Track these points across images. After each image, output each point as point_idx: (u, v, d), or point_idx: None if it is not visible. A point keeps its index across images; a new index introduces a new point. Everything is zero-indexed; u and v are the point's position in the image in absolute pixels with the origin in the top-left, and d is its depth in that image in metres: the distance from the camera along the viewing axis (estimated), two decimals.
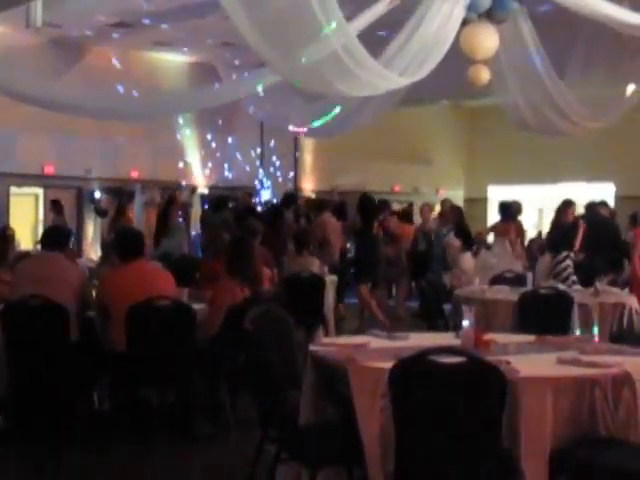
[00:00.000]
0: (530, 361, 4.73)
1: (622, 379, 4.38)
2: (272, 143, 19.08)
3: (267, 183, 19.09)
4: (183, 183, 17.82)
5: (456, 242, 11.77)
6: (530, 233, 16.59)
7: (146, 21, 14.23)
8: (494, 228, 12.49)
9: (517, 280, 9.12)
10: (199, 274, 8.82)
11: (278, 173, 19.55)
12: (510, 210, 12.13)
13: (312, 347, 5.07)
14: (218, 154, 18.64)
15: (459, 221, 12.56)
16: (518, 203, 12.96)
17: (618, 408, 4.36)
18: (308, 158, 20.53)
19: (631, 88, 12.54)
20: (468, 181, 24.23)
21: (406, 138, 21.45)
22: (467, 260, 11.86)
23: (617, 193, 20.90)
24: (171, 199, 13.70)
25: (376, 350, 4.97)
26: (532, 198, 19.82)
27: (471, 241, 12.49)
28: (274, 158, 19.42)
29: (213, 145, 18.52)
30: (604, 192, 20.85)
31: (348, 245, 13.97)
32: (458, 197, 22.81)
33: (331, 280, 10.32)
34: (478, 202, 23.08)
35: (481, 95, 13.91)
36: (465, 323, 4.95)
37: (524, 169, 22.06)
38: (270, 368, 4.92)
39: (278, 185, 19.26)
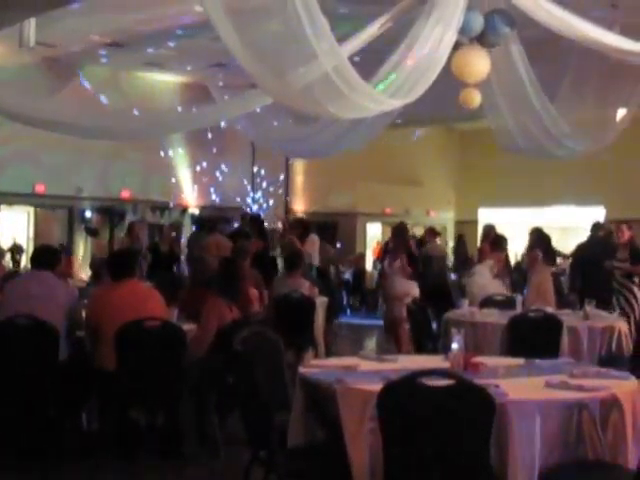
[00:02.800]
0: (518, 384, 4.73)
1: (610, 402, 4.40)
2: (263, 163, 19.11)
3: (257, 204, 19.12)
4: (171, 204, 17.84)
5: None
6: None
7: (138, 41, 14.26)
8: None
9: (507, 303, 9.12)
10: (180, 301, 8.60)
11: (270, 192, 19.57)
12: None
13: (301, 369, 5.07)
14: (209, 174, 18.66)
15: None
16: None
17: (606, 431, 4.37)
18: (299, 179, 20.58)
19: (621, 112, 12.63)
20: (459, 203, 24.29)
21: (397, 160, 21.54)
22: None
23: (607, 217, 20.96)
24: None
25: (365, 372, 4.97)
26: (522, 221, 19.85)
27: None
28: (265, 179, 19.44)
29: (204, 165, 18.54)
30: (595, 216, 20.94)
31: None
32: (448, 219, 22.91)
33: (321, 301, 10.31)
34: (468, 224, 23.14)
35: (472, 118, 13.96)
36: (454, 346, 4.95)
37: (515, 192, 22.15)
38: (259, 389, 4.91)
39: (269, 206, 19.29)
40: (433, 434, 4.04)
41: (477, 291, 9.85)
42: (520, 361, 5.48)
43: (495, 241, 11.07)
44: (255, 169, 19.29)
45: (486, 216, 23.50)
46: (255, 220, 14.95)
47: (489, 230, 13.50)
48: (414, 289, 11.09)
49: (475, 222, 23.41)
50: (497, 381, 4.58)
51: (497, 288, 10.01)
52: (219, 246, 11.72)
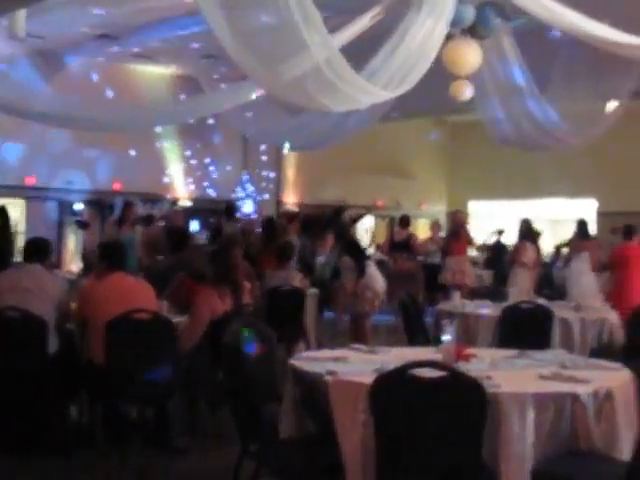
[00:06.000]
0: (511, 376, 4.71)
1: (603, 394, 4.39)
2: (254, 156, 19.08)
3: (249, 196, 19.08)
4: (163, 196, 17.79)
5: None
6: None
7: (129, 33, 14.20)
8: None
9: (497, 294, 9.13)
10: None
11: (261, 185, 19.55)
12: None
13: (292, 360, 5.05)
14: (200, 167, 18.62)
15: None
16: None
17: (599, 423, 4.36)
18: (290, 172, 20.53)
19: (612, 105, 12.62)
20: (450, 196, 24.27)
21: (389, 152, 21.51)
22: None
23: (599, 209, 20.99)
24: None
25: (356, 364, 4.95)
26: (514, 213, 19.84)
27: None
28: (256, 171, 19.40)
29: (195, 158, 18.49)
30: (586, 208, 20.97)
31: None
32: (440, 212, 22.88)
33: (312, 294, 10.29)
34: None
35: (464, 110, 13.94)
36: (446, 337, 4.94)
37: (506, 184, 22.16)
38: (250, 382, 4.89)
39: (261, 199, 19.28)
40: (425, 426, 4.03)
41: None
42: (512, 352, 5.47)
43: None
44: (247, 161, 19.24)
45: (477, 208, 23.54)
46: (229, 209, 14.92)
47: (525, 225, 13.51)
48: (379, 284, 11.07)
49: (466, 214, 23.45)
50: (489, 372, 4.57)
51: None
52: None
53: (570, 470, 4.27)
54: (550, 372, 4.70)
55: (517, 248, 10.65)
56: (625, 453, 4.32)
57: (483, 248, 16.83)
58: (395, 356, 5.07)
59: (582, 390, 4.34)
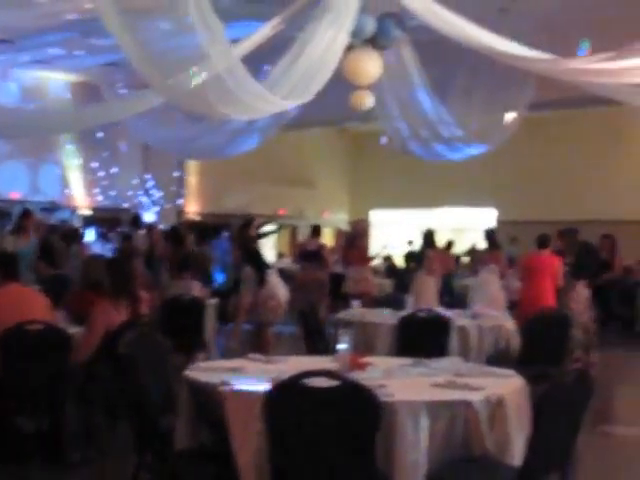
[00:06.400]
0: (405, 384, 4.75)
1: (495, 401, 4.45)
2: (156, 164, 18.91)
3: (151, 205, 18.91)
4: (62, 205, 17.52)
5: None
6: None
7: (28, 38, 13.94)
8: None
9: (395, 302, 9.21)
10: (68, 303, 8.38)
11: (163, 194, 19.38)
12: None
13: (187, 371, 5.00)
14: (100, 175, 18.38)
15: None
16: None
17: (491, 429, 4.42)
18: (193, 180, 20.41)
19: (510, 116, 12.87)
20: (352, 205, 24.42)
21: (291, 161, 21.58)
22: None
23: (499, 218, 21.37)
24: None
25: (252, 374, 4.93)
26: (415, 222, 20.14)
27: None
28: (158, 180, 19.23)
29: (96, 166, 18.25)
30: (487, 217, 21.36)
31: None
32: (342, 220, 23.02)
33: (212, 304, 10.22)
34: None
35: (365, 119, 14.05)
36: (341, 346, 4.95)
37: (408, 193, 22.42)
38: (145, 393, 4.83)
39: (163, 207, 19.12)
40: (319, 435, 4.03)
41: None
42: (408, 361, 5.51)
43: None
44: (148, 170, 19.05)
45: (379, 217, 23.76)
46: (135, 220, 14.78)
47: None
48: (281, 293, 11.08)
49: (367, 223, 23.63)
50: (384, 381, 4.61)
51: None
52: None
53: (463, 476, 4.33)
54: (444, 380, 4.75)
55: (425, 256, 10.74)
56: (517, 458, 4.39)
57: (385, 257, 17.01)
58: (292, 366, 5.05)
59: (474, 397, 4.39)
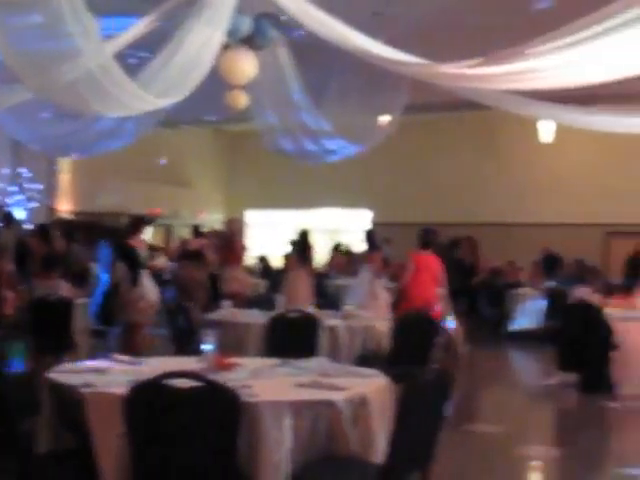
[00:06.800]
0: (270, 384, 4.76)
1: (359, 400, 4.50)
2: (26, 161, 18.45)
3: (24, 202, 18.46)
4: None
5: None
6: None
7: None
8: None
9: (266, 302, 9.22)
10: None
11: (33, 192, 18.92)
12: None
13: (49, 373, 4.89)
14: None
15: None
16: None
17: (355, 428, 4.46)
18: (65, 178, 19.98)
19: (385, 118, 13.02)
20: (228, 205, 24.32)
21: (167, 160, 21.36)
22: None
23: (374, 220, 21.60)
24: None
25: (116, 375, 4.87)
26: (291, 223, 20.20)
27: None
28: (28, 177, 18.76)
29: None
30: (362, 218, 21.58)
31: None
32: (218, 220, 22.91)
33: (82, 303, 10.04)
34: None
35: (241, 119, 14.03)
36: (206, 347, 4.93)
37: (283, 194, 22.48)
38: (4, 394, 4.71)
39: (34, 205, 18.67)
40: (181, 436, 4.01)
41: None
42: (275, 361, 5.52)
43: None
44: (18, 167, 18.57)
45: (254, 218, 23.74)
46: (7, 216, 14.44)
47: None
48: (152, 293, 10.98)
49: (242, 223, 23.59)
50: (249, 382, 4.61)
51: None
52: None
53: (327, 475, 4.35)
54: (309, 380, 4.78)
55: (287, 258, 10.79)
56: (380, 456, 4.44)
57: (260, 257, 17.02)
58: (157, 367, 5.00)
59: (338, 397, 4.43)
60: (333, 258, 17.87)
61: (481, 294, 16.49)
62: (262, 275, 16.58)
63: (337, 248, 17.98)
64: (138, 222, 11.88)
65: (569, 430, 8.83)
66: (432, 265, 11.03)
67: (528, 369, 13.48)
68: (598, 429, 8.80)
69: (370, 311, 9.52)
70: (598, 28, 6.67)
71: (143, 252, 11.59)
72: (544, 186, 20.35)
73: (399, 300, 10.92)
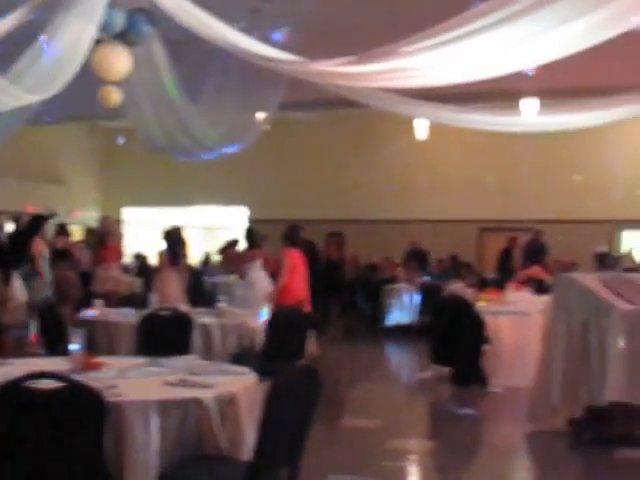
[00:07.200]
0: (137, 384, 4.72)
1: (227, 398, 4.50)
2: None
3: None
4: None
5: None
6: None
7: None
8: None
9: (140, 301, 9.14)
10: None
11: None
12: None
13: None
14: None
15: None
16: None
17: (224, 426, 4.46)
18: None
19: (261, 116, 13.04)
20: (104, 202, 23.93)
21: (38, 156, 20.90)
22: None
23: (251, 217, 21.60)
24: None
25: None
26: (167, 221, 20.06)
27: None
28: None
29: None
30: (239, 216, 21.57)
31: None
32: (93, 218, 22.54)
33: None
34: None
35: (115, 116, 13.84)
36: (74, 347, 4.86)
37: (161, 191, 22.29)
38: None
39: None
40: (45, 438, 3.93)
41: None
42: (144, 360, 5.48)
43: None
44: None
45: (131, 215, 23.45)
46: None
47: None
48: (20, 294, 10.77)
49: (119, 221, 23.25)
50: (115, 381, 4.57)
51: None
52: None
53: (195, 474, 4.33)
54: (177, 379, 4.76)
55: (160, 256, 10.70)
56: (248, 454, 4.45)
57: (136, 255, 16.81)
58: (22, 368, 4.89)
59: (206, 395, 4.42)
60: (229, 255, 17.68)
61: (357, 289, 16.67)
62: (138, 273, 16.39)
63: (233, 245, 17.79)
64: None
65: (442, 423, 9.01)
66: (300, 261, 11.13)
67: (403, 363, 13.69)
68: (470, 421, 9.00)
69: (250, 309, 9.53)
70: (466, 29, 6.85)
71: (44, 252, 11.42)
72: (420, 183, 20.69)
73: (278, 296, 10.96)
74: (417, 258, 18.02)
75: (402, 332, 15.51)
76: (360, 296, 16.57)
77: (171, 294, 9.47)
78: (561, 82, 13.40)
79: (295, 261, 11.03)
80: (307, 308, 10.71)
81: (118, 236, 14.43)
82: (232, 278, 14.41)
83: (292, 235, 11.30)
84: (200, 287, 14.08)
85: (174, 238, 11.26)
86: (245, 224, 18.52)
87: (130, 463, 4.15)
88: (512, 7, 6.31)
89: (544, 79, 11.15)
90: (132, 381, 4.76)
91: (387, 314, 15.98)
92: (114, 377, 4.75)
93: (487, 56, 7.69)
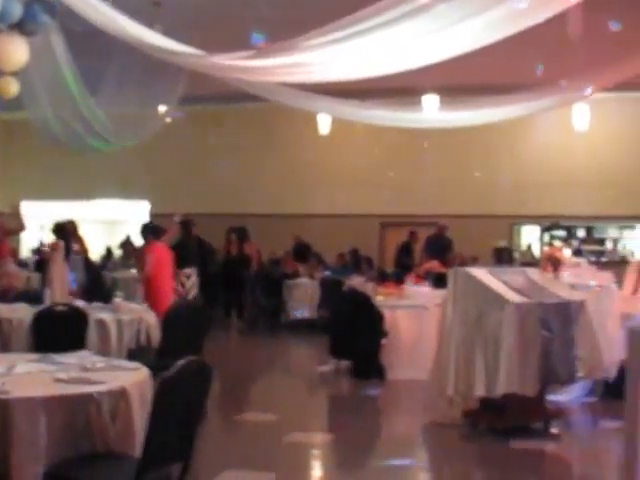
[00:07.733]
0: (25, 380, 4.65)
1: (118, 394, 4.48)
2: None
3: None
4: None
5: None
6: None
7: None
8: None
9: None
10: None
11: None
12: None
13: None
14: None
15: None
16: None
17: (115, 422, 4.44)
18: None
19: (162, 109, 12.97)
20: (2, 196, 23.38)
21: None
22: None
23: (152, 211, 21.38)
24: None
25: None
26: (68, 214, 19.74)
27: None
28: None
29: None
30: (140, 210, 21.34)
31: None
32: None
33: None
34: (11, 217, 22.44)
35: (13, 108, 13.58)
36: None
37: (59, 185, 21.88)
38: None
39: None
40: None
41: None
42: (35, 356, 5.40)
43: None
44: None
45: (30, 209, 22.97)
46: None
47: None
48: None
49: (18, 215, 22.74)
50: (3, 378, 4.50)
51: None
52: None
53: (84, 471, 4.29)
54: (67, 375, 4.70)
55: (51, 247, 10.53)
56: (139, 450, 4.43)
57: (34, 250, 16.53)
58: None
59: (97, 391, 4.39)
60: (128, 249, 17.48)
61: (259, 285, 16.67)
62: (36, 268, 16.10)
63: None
64: None
65: (341, 415, 9.08)
66: (166, 255, 10.86)
67: (304, 357, 13.73)
68: (369, 414, 9.10)
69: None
70: (364, 25, 6.91)
71: None
72: (322, 177, 20.75)
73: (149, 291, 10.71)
74: (297, 251, 18.18)
75: (303, 327, 15.57)
76: (261, 291, 16.57)
77: (64, 289, 9.34)
78: (460, 79, 13.64)
79: (160, 254, 10.75)
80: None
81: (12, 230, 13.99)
82: (132, 272, 14.30)
83: (154, 230, 11.00)
84: (99, 282, 13.89)
85: (66, 232, 11.10)
86: (146, 218, 18.32)
87: (16, 460, 4.11)
88: (413, 3, 6.38)
89: (444, 76, 11.35)
90: (20, 378, 4.68)
91: (288, 309, 16.03)
92: (1, 374, 4.67)
93: (385, 53, 7.79)
